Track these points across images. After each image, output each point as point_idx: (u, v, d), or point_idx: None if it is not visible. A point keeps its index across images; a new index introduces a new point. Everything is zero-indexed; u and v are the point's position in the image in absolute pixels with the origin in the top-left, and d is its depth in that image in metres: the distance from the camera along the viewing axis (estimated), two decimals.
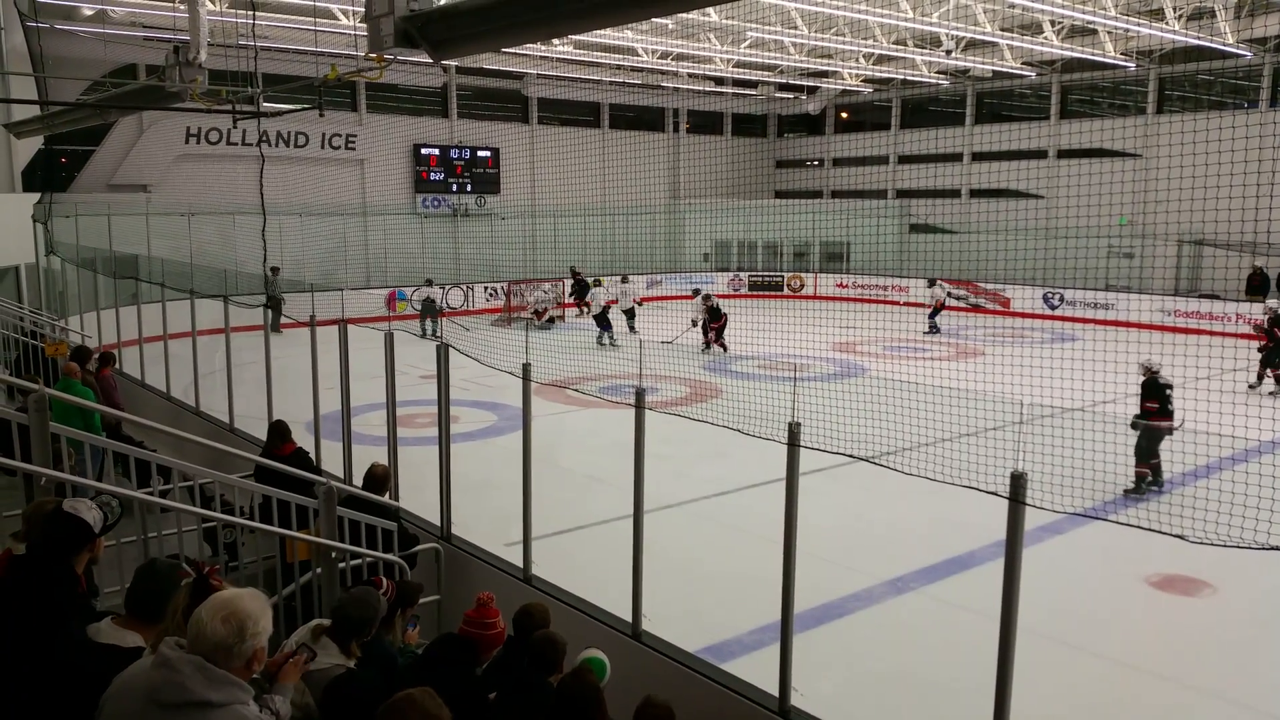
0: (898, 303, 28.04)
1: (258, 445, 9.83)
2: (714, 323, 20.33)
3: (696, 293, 22.05)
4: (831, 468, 7.05)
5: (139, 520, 5.39)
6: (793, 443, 4.90)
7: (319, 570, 5.88)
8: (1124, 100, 28.15)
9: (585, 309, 24.15)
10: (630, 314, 22.32)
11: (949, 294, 24.77)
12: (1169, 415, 10.52)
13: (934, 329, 23.51)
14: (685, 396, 14.48)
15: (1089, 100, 29.12)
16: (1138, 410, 10.66)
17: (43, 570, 3.52)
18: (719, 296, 28.68)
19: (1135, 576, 8.36)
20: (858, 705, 6.21)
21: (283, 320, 16.04)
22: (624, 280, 23.28)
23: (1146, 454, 10.40)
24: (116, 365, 12.90)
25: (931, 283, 23.93)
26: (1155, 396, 10.59)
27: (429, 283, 24.12)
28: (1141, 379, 10.79)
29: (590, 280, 24.61)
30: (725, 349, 20.11)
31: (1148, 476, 10.45)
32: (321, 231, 25.30)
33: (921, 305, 24.65)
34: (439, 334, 21.13)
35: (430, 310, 22.81)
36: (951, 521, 9.33)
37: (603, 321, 21.49)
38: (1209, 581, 8.25)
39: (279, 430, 7.76)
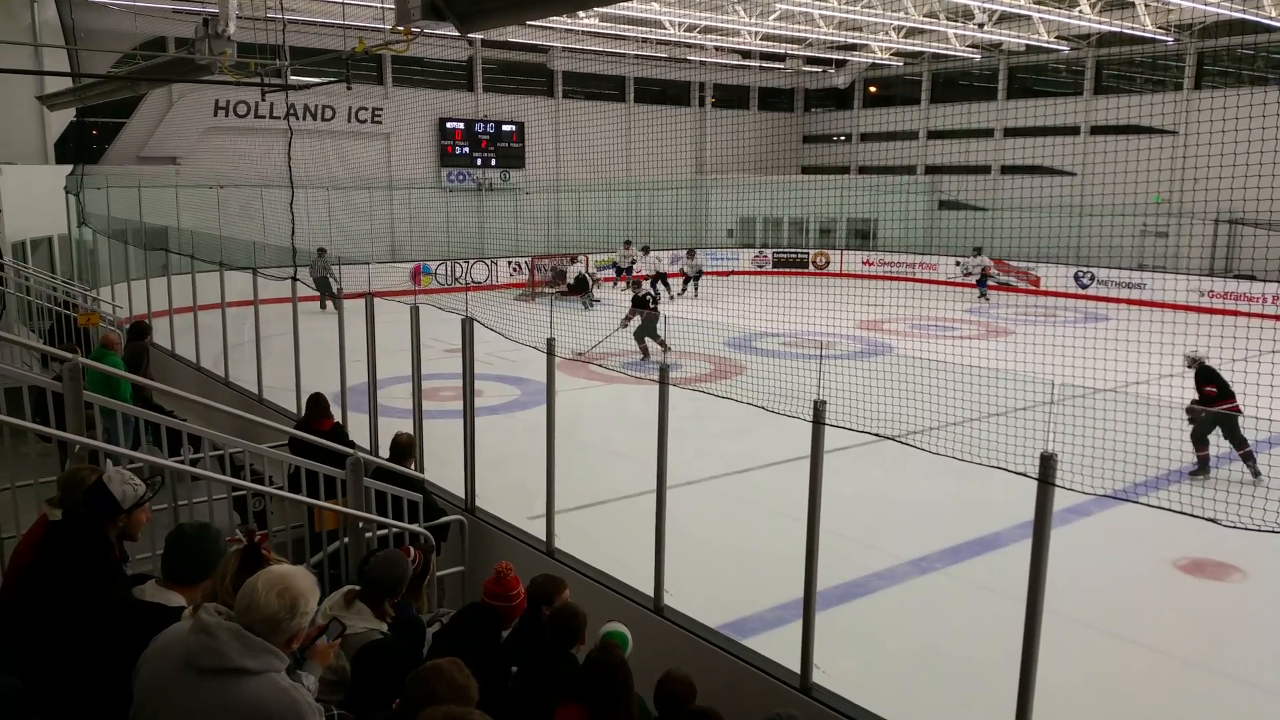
0: (929, 280, 27.99)
1: (286, 416, 9.94)
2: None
3: (691, 253, 25.80)
4: (856, 446, 7.00)
5: (170, 488, 5.46)
6: (818, 421, 4.87)
7: (346, 540, 5.94)
8: (1160, 75, 27.60)
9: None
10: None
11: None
12: (1231, 397, 10.36)
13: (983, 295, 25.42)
14: (709, 373, 14.45)
15: (1124, 75, 28.59)
16: (1195, 397, 10.48)
17: (79, 535, 3.58)
18: (737, 274, 29.08)
19: (1164, 560, 8.28)
20: (879, 684, 6.20)
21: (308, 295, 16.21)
22: (690, 255, 26.08)
23: (1203, 439, 10.35)
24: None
25: (977, 252, 25.81)
26: (1213, 381, 10.42)
27: (573, 259, 25.26)
28: (1192, 371, 10.60)
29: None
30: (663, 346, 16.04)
31: (1209, 459, 10.39)
32: (348, 205, 25.40)
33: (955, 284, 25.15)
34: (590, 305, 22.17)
35: (583, 286, 23.78)
36: (977, 502, 9.28)
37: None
38: (1239, 566, 8.17)
39: (318, 404, 7.76)
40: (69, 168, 18.75)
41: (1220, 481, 9.95)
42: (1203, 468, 10.36)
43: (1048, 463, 3.94)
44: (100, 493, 3.67)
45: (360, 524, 5.91)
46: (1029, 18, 24.83)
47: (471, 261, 27.25)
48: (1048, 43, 26.81)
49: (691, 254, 26.50)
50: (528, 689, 4.10)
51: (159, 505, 5.50)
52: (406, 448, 7.10)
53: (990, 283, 25.70)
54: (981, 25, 24.92)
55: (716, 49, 30.77)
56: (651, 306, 16.87)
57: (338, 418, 8.61)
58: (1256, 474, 10.04)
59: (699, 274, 26.08)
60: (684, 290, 25.70)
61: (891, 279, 29.48)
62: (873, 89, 34.92)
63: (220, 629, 2.63)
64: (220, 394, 11.31)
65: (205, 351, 12.77)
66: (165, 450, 6.65)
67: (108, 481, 3.70)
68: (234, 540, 3.37)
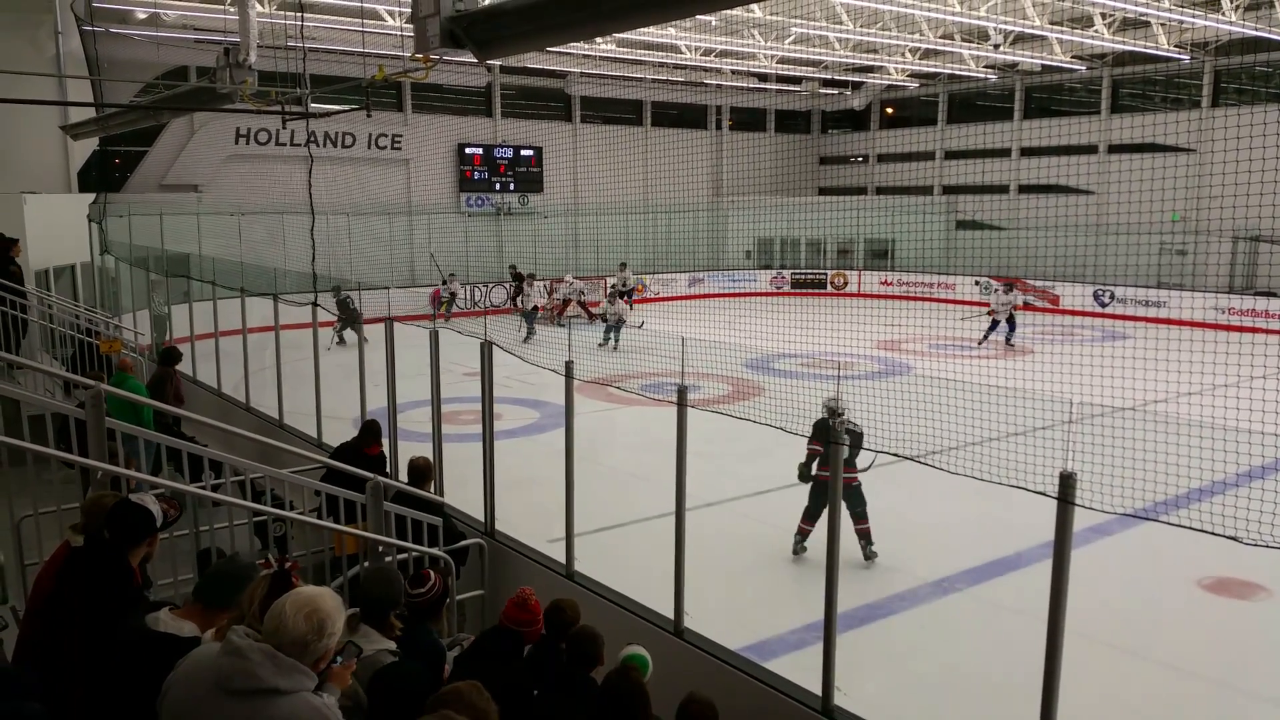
0: (944, 300, 27.84)
1: (307, 441, 10.01)
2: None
3: (623, 266, 24.31)
4: (876, 466, 6.99)
5: (191, 513, 5.51)
6: (837, 441, 4.87)
7: (366, 564, 5.96)
8: (1177, 94, 27.54)
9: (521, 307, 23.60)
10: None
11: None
12: (852, 466, 7.93)
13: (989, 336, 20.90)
14: (728, 395, 14.44)
15: (1141, 94, 28.54)
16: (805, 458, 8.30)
17: (102, 561, 3.61)
18: (744, 294, 28.75)
19: (1186, 579, 8.19)
20: (902, 706, 6.16)
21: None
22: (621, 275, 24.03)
23: (813, 514, 8.58)
24: None
25: (1009, 288, 21.01)
26: (825, 440, 7.46)
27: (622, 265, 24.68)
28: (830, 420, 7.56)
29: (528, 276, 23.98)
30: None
31: (809, 534, 8.67)
32: (368, 230, 25.61)
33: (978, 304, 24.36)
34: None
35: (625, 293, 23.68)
36: (998, 522, 9.21)
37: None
38: (1263, 585, 8.07)
39: (372, 430, 7.85)
40: (92, 196, 18.99)
41: (1242, 499, 9.82)
42: (800, 541, 8.75)
43: (1067, 482, 3.92)
44: (130, 515, 3.69)
45: (380, 548, 5.94)
46: (1045, 38, 24.86)
47: (490, 285, 27.41)
48: (1064, 62, 26.83)
49: (623, 267, 23.27)
50: (547, 713, 4.10)
51: (180, 530, 5.55)
52: (423, 471, 7.13)
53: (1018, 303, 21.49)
54: (997, 46, 24.96)
55: (733, 72, 30.95)
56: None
57: None
58: (869, 557, 8.52)
59: (625, 292, 22.35)
60: (605, 339, 20.28)
61: (910, 299, 29.44)
62: (889, 110, 34.99)
63: (252, 650, 2.65)
64: (241, 419, 11.39)
65: (226, 377, 12.87)
66: (186, 476, 6.71)
67: (141, 501, 3.73)
68: (264, 565, 3.39)
